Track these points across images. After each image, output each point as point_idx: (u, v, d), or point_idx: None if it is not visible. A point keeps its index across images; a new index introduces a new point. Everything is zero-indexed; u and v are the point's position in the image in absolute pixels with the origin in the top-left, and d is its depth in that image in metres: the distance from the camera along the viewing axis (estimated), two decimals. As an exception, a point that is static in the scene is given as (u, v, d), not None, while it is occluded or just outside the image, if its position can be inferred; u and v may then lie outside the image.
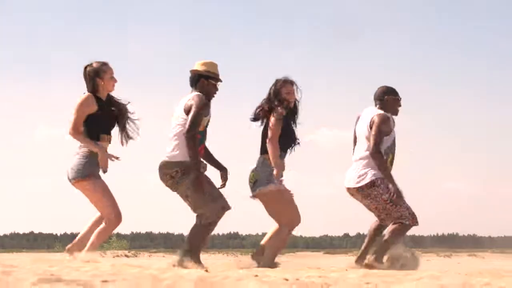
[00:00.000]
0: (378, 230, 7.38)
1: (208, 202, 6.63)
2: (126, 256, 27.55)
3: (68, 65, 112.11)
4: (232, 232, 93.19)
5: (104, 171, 6.95)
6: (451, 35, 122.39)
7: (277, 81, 7.22)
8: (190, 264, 6.49)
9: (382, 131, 7.08)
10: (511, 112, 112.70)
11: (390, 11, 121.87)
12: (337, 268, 7.04)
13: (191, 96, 6.80)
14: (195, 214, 6.72)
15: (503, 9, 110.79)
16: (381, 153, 7.04)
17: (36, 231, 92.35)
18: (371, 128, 7.12)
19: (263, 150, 7.11)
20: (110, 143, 7.06)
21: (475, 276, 5.66)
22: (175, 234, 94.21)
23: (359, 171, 7.16)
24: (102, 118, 6.95)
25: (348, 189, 7.31)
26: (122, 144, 7.21)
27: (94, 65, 7.03)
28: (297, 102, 7.31)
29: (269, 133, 6.99)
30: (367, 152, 7.11)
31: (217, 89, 6.95)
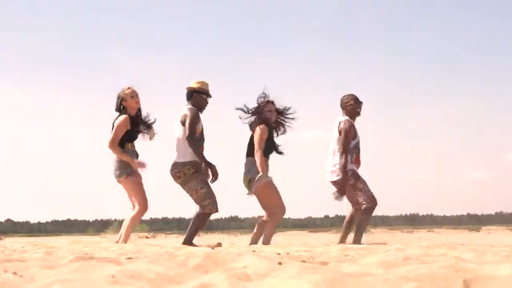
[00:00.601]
0: (352, 221, 7.43)
1: (212, 196, 6.78)
2: (147, 237, 27.48)
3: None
4: (232, 216, 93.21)
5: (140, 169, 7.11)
6: (450, 35, 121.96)
7: (259, 104, 7.36)
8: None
9: (349, 136, 7.19)
10: (477, 107, 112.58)
11: (388, 13, 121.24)
12: (320, 244, 7.05)
13: (185, 109, 6.95)
14: (199, 204, 6.79)
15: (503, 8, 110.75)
16: (347, 154, 7.14)
17: (72, 218, 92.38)
18: (339, 132, 7.23)
19: (249, 153, 7.24)
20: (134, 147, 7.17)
21: (433, 248, 5.66)
22: (186, 218, 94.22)
23: (332, 168, 7.28)
24: (132, 132, 7.09)
25: (330, 182, 7.34)
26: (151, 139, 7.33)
27: (120, 92, 7.12)
28: (278, 118, 7.46)
29: (255, 146, 7.16)
30: (338, 152, 7.23)
31: (207, 103, 7.10)
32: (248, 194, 7.21)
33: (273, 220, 7.25)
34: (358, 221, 7.27)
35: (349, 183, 7.16)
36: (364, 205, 7.15)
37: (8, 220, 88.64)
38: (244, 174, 7.22)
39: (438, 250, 5.34)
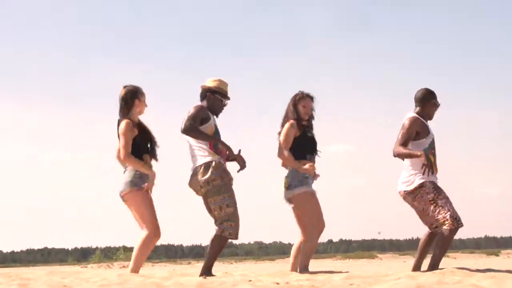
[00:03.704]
0: (428, 244, 6.83)
1: (236, 219, 6.44)
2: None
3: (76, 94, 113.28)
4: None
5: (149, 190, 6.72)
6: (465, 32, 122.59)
7: (295, 95, 7.07)
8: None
9: (408, 132, 6.60)
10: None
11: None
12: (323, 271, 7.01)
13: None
14: (219, 224, 6.43)
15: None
16: (395, 148, 6.54)
17: (49, 246, 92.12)
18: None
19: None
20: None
21: (448, 275, 5.65)
22: (175, 245, 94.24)
23: (407, 177, 6.72)
24: (143, 140, 6.78)
25: (400, 192, 6.82)
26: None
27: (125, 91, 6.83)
28: (312, 114, 7.16)
29: (279, 143, 6.91)
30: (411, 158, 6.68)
31: (223, 105, 6.81)
32: (286, 201, 6.94)
33: (308, 241, 6.84)
34: (439, 244, 6.51)
35: (428, 197, 6.57)
36: (447, 225, 6.43)
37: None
38: (285, 177, 6.94)
39: (453, 277, 5.34)
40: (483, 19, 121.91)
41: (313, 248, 6.88)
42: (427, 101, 6.79)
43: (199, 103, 6.76)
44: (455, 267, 6.30)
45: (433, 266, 6.42)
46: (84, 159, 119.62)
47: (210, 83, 6.80)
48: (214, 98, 6.73)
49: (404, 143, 6.54)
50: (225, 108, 6.85)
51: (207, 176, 6.44)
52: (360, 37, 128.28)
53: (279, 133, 7.08)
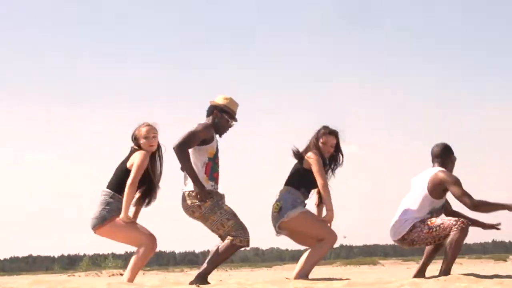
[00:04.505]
0: (436, 248, 6.88)
1: (243, 227, 6.36)
2: (121, 274, 27.35)
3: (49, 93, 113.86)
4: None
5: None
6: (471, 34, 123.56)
7: (318, 130, 6.92)
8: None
9: (458, 182, 6.60)
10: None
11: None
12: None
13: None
14: (226, 235, 6.32)
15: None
16: (472, 199, 6.49)
17: (34, 254, 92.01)
18: (431, 184, 6.65)
19: (289, 183, 6.80)
20: None
21: (453, 282, 5.65)
22: (167, 252, 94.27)
23: (396, 225, 6.74)
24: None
25: (395, 241, 6.84)
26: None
27: (136, 129, 6.59)
28: (339, 153, 7.02)
29: (318, 179, 6.69)
30: (411, 207, 6.71)
31: (229, 126, 6.66)
32: (277, 232, 6.76)
33: (320, 247, 6.66)
34: (451, 246, 6.42)
35: (423, 232, 6.54)
36: (455, 229, 6.39)
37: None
38: (276, 201, 6.76)
39: (459, 284, 5.34)
40: (483, 20, 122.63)
41: (321, 257, 6.77)
42: (448, 156, 6.87)
43: (205, 120, 6.61)
44: (462, 273, 6.31)
45: (446, 271, 6.40)
46: (76, 161, 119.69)
47: (220, 100, 6.64)
48: (222, 117, 6.59)
49: (468, 194, 6.53)
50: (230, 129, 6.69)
51: (197, 203, 6.32)
52: (362, 36, 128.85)
53: (300, 157, 6.87)
